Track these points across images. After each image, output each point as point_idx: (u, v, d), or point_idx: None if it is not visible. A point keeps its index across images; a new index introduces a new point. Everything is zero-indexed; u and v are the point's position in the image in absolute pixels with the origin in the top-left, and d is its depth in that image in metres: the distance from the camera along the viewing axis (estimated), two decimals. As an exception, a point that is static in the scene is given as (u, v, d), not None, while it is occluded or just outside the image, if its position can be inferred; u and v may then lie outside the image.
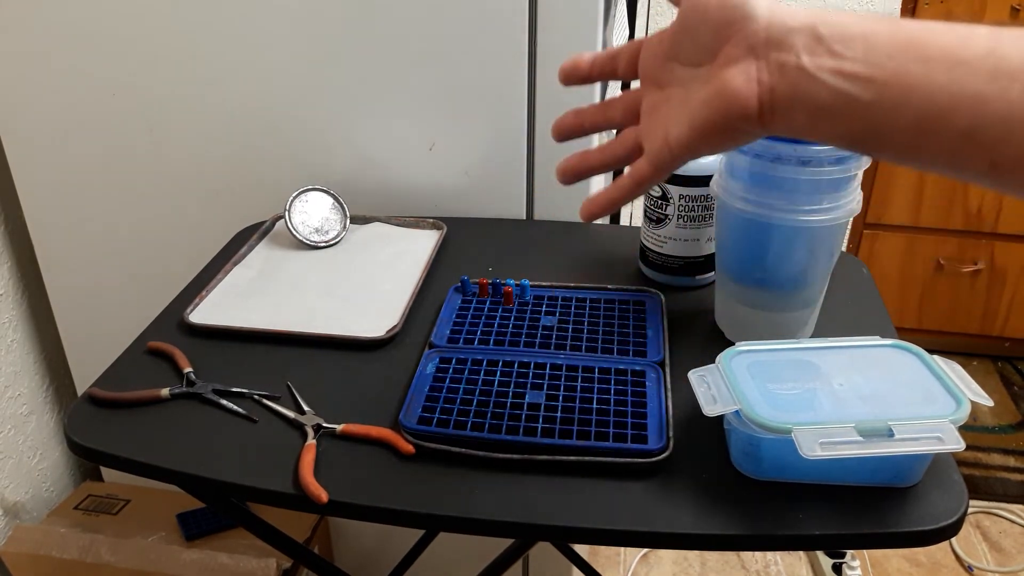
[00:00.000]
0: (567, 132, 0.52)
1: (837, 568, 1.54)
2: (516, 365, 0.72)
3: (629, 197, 0.48)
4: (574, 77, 0.52)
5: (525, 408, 0.67)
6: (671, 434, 0.64)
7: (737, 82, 0.41)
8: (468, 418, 0.66)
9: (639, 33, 1.61)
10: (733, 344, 0.65)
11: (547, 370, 0.72)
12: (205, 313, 0.82)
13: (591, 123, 0.52)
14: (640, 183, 0.47)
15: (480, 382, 0.70)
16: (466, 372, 0.72)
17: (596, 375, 0.71)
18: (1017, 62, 0.36)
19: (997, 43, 0.36)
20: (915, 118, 0.38)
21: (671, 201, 0.83)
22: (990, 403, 0.57)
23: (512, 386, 0.70)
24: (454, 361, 0.73)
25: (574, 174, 0.51)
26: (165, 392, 0.71)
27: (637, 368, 0.72)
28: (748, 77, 0.41)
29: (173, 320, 0.82)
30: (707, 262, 0.85)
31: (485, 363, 0.73)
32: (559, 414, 0.66)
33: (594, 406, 0.67)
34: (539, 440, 0.63)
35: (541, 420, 0.66)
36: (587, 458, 0.62)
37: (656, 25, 1.89)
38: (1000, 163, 0.37)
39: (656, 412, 0.66)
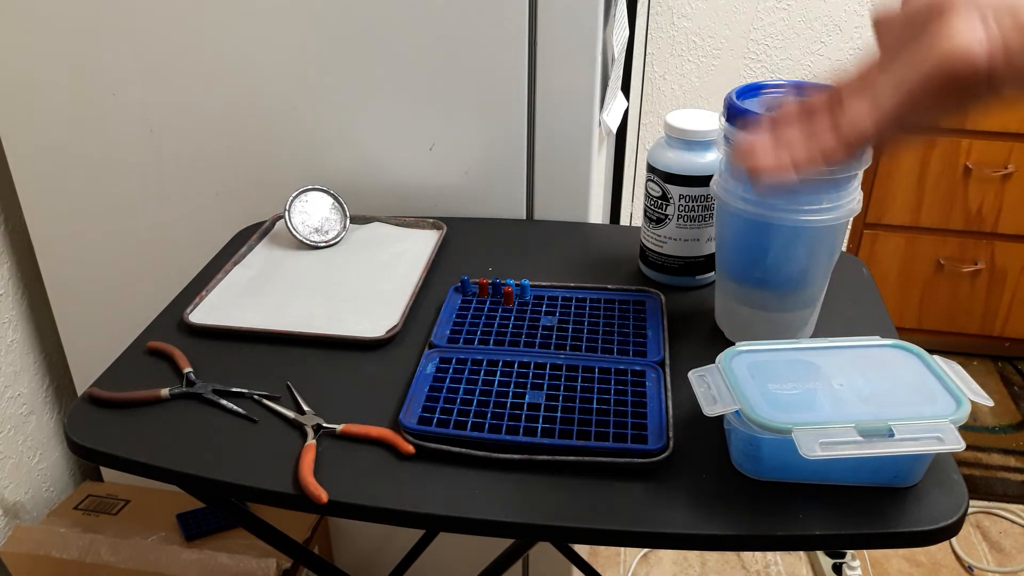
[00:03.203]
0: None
1: (837, 568, 1.54)
2: (516, 365, 0.72)
3: (810, 167, 0.42)
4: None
5: (525, 408, 0.67)
6: (671, 434, 0.64)
7: (963, 34, 0.37)
8: (468, 418, 0.66)
9: (639, 33, 1.60)
10: (733, 344, 0.65)
11: (547, 370, 0.72)
12: (205, 313, 0.82)
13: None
14: (828, 156, 0.41)
15: (480, 382, 0.70)
16: (466, 372, 0.72)
17: (596, 375, 0.71)
18: None
19: None
20: None
21: (671, 201, 0.83)
22: (990, 403, 0.57)
23: (512, 386, 0.70)
24: (454, 361, 0.73)
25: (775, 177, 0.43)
26: (165, 392, 0.71)
27: (637, 368, 0.72)
28: (973, 27, 0.37)
29: (173, 320, 0.82)
30: (707, 262, 0.85)
31: (485, 363, 0.73)
32: (559, 414, 0.66)
33: (594, 406, 0.67)
34: (539, 440, 0.63)
35: (541, 420, 0.66)
36: (587, 458, 0.62)
37: (656, 25, 1.89)
38: None
39: (656, 412, 0.66)
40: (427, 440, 0.64)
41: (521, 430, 0.65)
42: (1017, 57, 0.36)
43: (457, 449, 0.63)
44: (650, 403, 0.67)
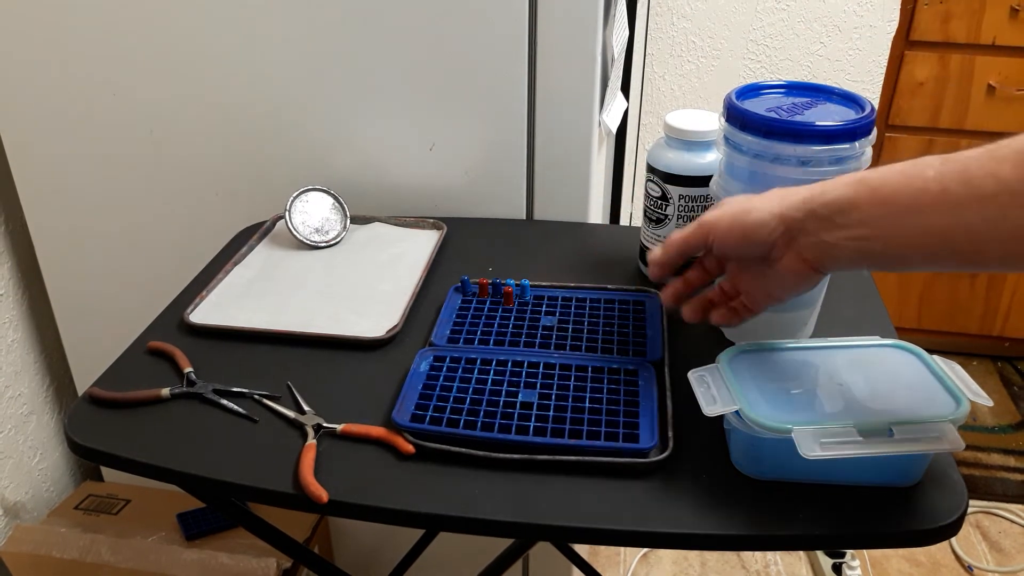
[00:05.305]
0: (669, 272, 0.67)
1: (837, 568, 1.54)
2: (510, 364, 0.72)
3: (726, 324, 0.67)
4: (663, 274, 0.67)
5: (518, 407, 0.67)
6: (671, 434, 0.64)
7: (797, 267, 0.58)
8: (461, 416, 0.66)
9: (639, 33, 1.60)
10: (733, 344, 0.65)
11: (540, 369, 0.72)
12: (205, 313, 0.82)
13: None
14: (741, 318, 0.65)
15: (474, 380, 0.70)
16: (460, 370, 0.72)
17: (589, 374, 0.71)
18: (963, 194, 0.48)
19: (943, 183, 0.49)
20: (916, 247, 0.51)
21: (671, 201, 0.83)
22: (990, 403, 0.57)
23: (505, 384, 0.70)
24: (448, 359, 0.73)
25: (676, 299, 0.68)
26: (165, 392, 0.71)
27: (629, 367, 0.71)
28: (801, 260, 0.57)
29: (173, 320, 0.82)
30: (707, 262, 0.85)
31: (479, 361, 0.73)
32: (551, 413, 0.66)
33: (586, 405, 0.67)
34: (531, 439, 0.63)
35: (533, 419, 0.65)
36: (588, 458, 0.62)
37: (656, 26, 1.89)
38: (985, 256, 0.49)
39: (649, 411, 0.66)
40: (427, 440, 0.64)
41: (513, 428, 0.65)
42: (826, 264, 0.57)
43: (457, 449, 0.63)
44: (643, 401, 0.67)
